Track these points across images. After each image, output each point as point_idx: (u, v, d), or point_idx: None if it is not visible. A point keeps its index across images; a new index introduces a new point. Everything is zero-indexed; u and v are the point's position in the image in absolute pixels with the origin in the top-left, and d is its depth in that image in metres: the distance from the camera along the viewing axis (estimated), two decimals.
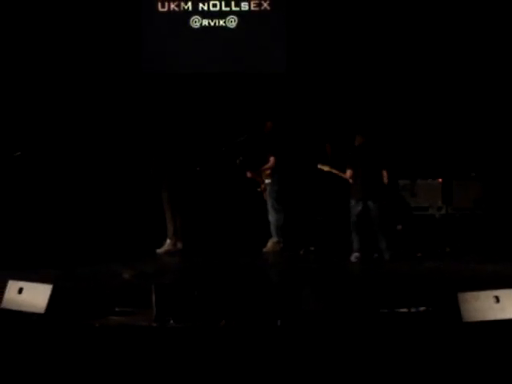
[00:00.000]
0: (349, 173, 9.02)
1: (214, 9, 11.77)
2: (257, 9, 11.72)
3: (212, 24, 11.78)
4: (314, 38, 11.43)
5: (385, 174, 8.98)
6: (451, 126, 11.18)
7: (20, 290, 6.14)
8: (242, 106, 11.34)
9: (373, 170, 8.97)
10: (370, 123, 10.04)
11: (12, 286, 6.21)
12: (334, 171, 9.16)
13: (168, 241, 9.63)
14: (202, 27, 11.79)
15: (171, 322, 5.89)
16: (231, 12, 11.75)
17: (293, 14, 11.54)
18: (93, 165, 11.29)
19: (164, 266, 9.00)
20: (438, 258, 9.12)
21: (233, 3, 11.73)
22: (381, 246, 8.91)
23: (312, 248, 9.62)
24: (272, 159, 9.66)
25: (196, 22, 11.79)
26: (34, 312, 5.97)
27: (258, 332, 5.67)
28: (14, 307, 6.08)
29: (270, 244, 9.67)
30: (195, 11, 11.78)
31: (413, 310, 6.20)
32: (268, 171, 9.70)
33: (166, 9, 11.80)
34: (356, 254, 8.92)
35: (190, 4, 11.79)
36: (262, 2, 11.70)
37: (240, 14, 11.74)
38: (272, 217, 9.66)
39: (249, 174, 9.83)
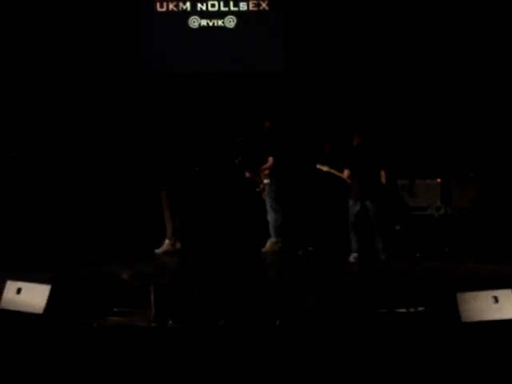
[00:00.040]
0: (346, 173, 9.02)
1: (213, 9, 11.77)
2: (255, 9, 11.72)
3: (211, 24, 11.78)
4: (312, 38, 11.43)
5: (383, 174, 8.97)
6: (450, 126, 11.18)
7: (18, 291, 6.13)
8: (240, 106, 11.34)
9: (371, 170, 8.97)
10: (368, 123, 10.03)
11: (10, 286, 6.21)
12: (333, 171, 9.16)
13: (167, 241, 9.62)
14: (201, 27, 11.78)
15: (170, 322, 5.89)
16: (230, 12, 11.74)
17: (291, 14, 11.54)
18: (92, 165, 11.28)
19: (163, 266, 9.00)
20: (437, 258, 9.12)
21: (231, 3, 11.73)
22: (377, 247, 8.90)
23: (310, 248, 9.62)
24: (271, 159, 9.66)
25: (194, 22, 11.79)
26: (32, 312, 5.97)
27: (257, 332, 5.67)
28: (13, 307, 6.08)
29: (268, 244, 9.66)
30: (194, 11, 11.78)
31: (411, 310, 6.20)
32: (267, 171, 9.70)
33: (164, 9, 11.80)
34: (354, 255, 8.92)
35: (188, 4, 11.78)
36: (261, 2, 11.70)
37: (238, 14, 11.74)
38: (271, 217, 9.66)
39: (247, 174, 9.82)
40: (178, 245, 9.61)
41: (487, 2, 11.14)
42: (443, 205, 10.83)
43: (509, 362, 4.88)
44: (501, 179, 10.81)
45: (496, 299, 5.63)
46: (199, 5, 11.77)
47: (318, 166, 9.25)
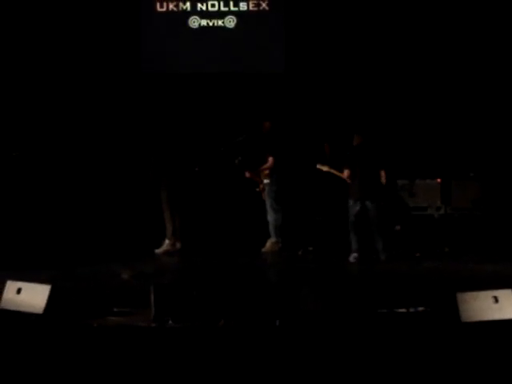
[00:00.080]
0: (346, 173, 9.02)
1: (213, 9, 11.76)
2: (255, 9, 11.72)
3: (210, 24, 11.78)
4: (312, 38, 11.42)
5: (383, 174, 8.97)
6: (450, 126, 11.18)
7: (18, 291, 6.13)
8: (240, 106, 11.34)
9: (370, 170, 8.96)
10: (368, 123, 10.03)
11: (10, 286, 6.21)
12: (333, 171, 9.15)
13: (167, 241, 9.62)
14: (201, 27, 11.78)
15: (170, 322, 5.89)
16: (230, 12, 11.74)
17: (291, 14, 11.54)
18: (92, 165, 11.28)
19: (163, 266, 9.00)
20: (437, 258, 9.12)
21: (231, 3, 11.73)
22: (377, 247, 8.90)
23: (310, 248, 9.61)
24: (271, 159, 9.66)
25: (195, 22, 11.78)
26: (32, 312, 5.97)
27: (257, 332, 5.67)
28: (13, 307, 6.08)
29: (268, 244, 9.66)
30: (194, 11, 11.77)
31: (411, 310, 6.20)
32: (267, 171, 9.70)
33: (164, 9, 11.80)
34: (354, 255, 8.91)
35: (188, 4, 11.78)
36: (261, 2, 11.70)
37: (238, 14, 11.74)
38: (271, 217, 9.66)
39: (247, 174, 9.82)
40: (178, 245, 9.61)
41: (487, 2, 11.13)
42: (443, 205, 10.83)
43: (509, 362, 4.88)
44: (501, 179, 10.81)
45: (496, 299, 5.62)
46: (199, 5, 11.77)
47: (318, 166, 9.25)
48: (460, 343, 5.30)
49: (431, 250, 9.43)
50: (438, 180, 10.92)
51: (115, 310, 6.31)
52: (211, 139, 10.71)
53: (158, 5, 11.78)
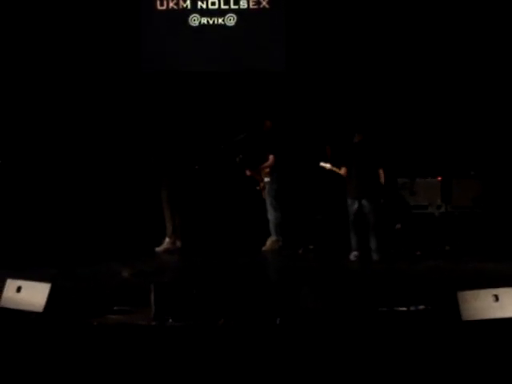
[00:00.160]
0: (343, 170, 9.02)
1: (213, 7, 11.75)
2: (255, 7, 11.71)
3: (211, 22, 11.76)
4: (313, 37, 11.41)
5: (381, 172, 8.94)
6: (450, 124, 11.17)
7: (18, 289, 6.13)
8: (241, 105, 11.32)
9: (367, 169, 8.93)
10: (368, 122, 10.03)
11: (10, 284, 6.21)
12: (335, 169, 9.13)
13: (167, 239, 9.62)
14: (201, 25, 11.76)
15: (170, 320, 5.88)
16: (230, 10, 11.72)
17: (292, 12, 11.52)
18: (92, 164, 11.28)
19: (163, 264, 9.00)
20: (438, 256, 9.11)
21: (232, 1, 11.71)
22: (371, 246, 8.87)
23: (311, 246, 9.61)
24: (271, 158, 9.65)
25: (195, 20, 11.77)
26: (32, 311, 5.97)
27: (257, 330, 5.66)
28: (13, 306, 6.08)
29: (269, 242, 9.66)
30: (194, 9, 11.76)
31: (412, 308, 6.20)
32: (267, 170, 9.69)
33: (164, 7, 11.78)
34: (355, 253, 8.90)
35: (188, 2, 11.77)
36: (261, 0, 11.68)
37: (239, 12, 11.72)
38: (271, 215, 9.65)
39: (248, 173, 9.82)
40: (178, 243, 9.61)
41: (487, 2, 11.12)
42: (444, 203, 10.82)
43: (509, 361, 4.87)
44: (501, 177, 10.80)
45: (496, 298, 5.62)
46: (199, 3, 11.76)
47: (321, 164, 9.23)
48: (461, 342, 5.30)
49: (432, 249, 9.42)
50: (439, 178, 10.91)
51: (115, 308, 6.31)
52: (212, 138, 10.69)
53: (158, 3, 11.77)
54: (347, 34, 11.31)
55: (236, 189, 10.77)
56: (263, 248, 9.63)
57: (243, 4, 11.71)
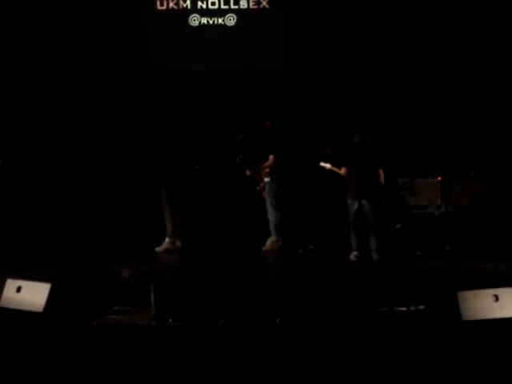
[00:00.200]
0: (343, 170, 9.01)
1: (213, 7, 11.75)
2: (255, 7, 11.70)
3: (211, 22, 11.76)
4: (313, 37, 11.41)
5: (381, 172, 8.93)
6: (450, 124, 11.16)
7: (18, 289, 6.13)
8: (241, 105, 11.32)
9: (367, 169, 8.93)
10: (368, 122, 10.02)
11: (10, 284, 6.20)
12: (335, 169, 9.13)
13: (167, 239, 9.62)
14: (201, 25, 11.76)
15: (170, 320, 5.88)
16: (230, 10, 11.72)
17: (292, 12, 11.52)
18: (92, 164, 11.27)
19: (163, 264, 9.00)
20: (438, 256, 9.11)
21: (232, 1, 11.70)
22: (371, 246, 8.86)
23: (311, 246, 9.60)
24: (271, 158, 9.65)
25: (195, 20, 11.77)
26: (32, 311, 5.96)
27: (257, 330, 5.66)
28: (13, 306, 6.08)
29: (269, 242, 9.65)
30: (194, 9, 11.76)
31: (412, 308, 6.20)
32: (267, 170, 9.69)
33: (164, 7, 11.78)
34: (355, 253, 8.90)
35: (188, 2, 11.77)
36: (261, 0, 11.68)
37: (239, 12, 11.72)
38: (271, 215, 9.65)
39: (248, 173, 9.82)
40: (178, 243, 9.61)
41: (487, 1, 11.12)
42: (444, 203, 10.81)
43: (509, 361, 4.87)
44: (501, 177, 10.80)
45: (496, 297, 5.61)
46: (199, 3, 11.76)
47: (322, 164, 9.22)
48: (461, 342, 5.30)
49: (432, 249, 9.42)
50: (439, 178, 10.91)
51: (115, 308, 6.31)
52: (211, 138, 10.69)
53: (158, 3, 11.76)
54: (347, 34, 11.31)
55: (236, 189, 10.77)
56: (263, 248, 9.62)
57: (243, 4, 11.71)
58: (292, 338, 5.49)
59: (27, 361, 4.98)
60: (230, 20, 11.72)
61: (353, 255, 8.90)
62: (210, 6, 11.75)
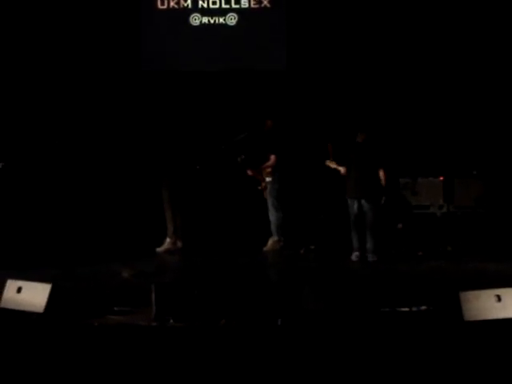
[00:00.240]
0: (343, 169, 8.99)
1: (214, 6, 11.73)
2: (257, 6, 11.69)
3: (212, 21, 11.74)
4: (314, 36, 11.39)
5: (381, 173, 8.89)
6: (452, 124, 11.15)
7: (19, 289, 6.12)
8: (242, 104, 11.31)
9: (367, 169, 8.90)
10: (370, 121, 10.00)
11: (11, 285, 6.19)
12: (340, 168, 9.09)
13: (168, 239, 9.61)
14: (202, 25, 11.75)
15: (171, 321, 5.87)
16: (231, 9, 11.71)
17: (293, 11, 11.50)
18: (92, 164, 11.26)
19: (164, 264, 8.99)
20: (440, 256, 9.10)
21: (233, 0, 11.69)
22: (367, 247, 8.84)
23: (312, 247, 9.59)
24: (273, 157, 9.64)
25: (196, 19, 11.75)
26: (33, 311, 5.96)
27: (259, 331, 5.65)
28: (13, 306, 6.07)
29: (270, 243, 9.64)
30: (195, 9, 11.75)
31: (414, 309, 6.19)
32: (269, 169, 9.67)
33: (165, 6, 11.77)
34: (356, 253, 8.89)
35: (189, 1, 11.75)
36: (262, 0, 11.67)
37: (240, 12, 11.70)
38: (272, 215, 9.64)
39: (249, 172, 9.81)
40: (179, 243, 9.59)
41: (487, 1, 11.10)
42: (446, 203, 10.79)
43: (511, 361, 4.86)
44: (504, 177, 10.78)
45: (499, 298, 5.61)
46: (200, 2, 11.74)
47: (327, 163, 9.19)
48: (463, 342, 5.28)
49: (434, 249, 9.41)
50: (441, 178, 10.88)
51: (116, 309, 6.30)
52: (212, 137, 10.68)
53: (159, 2, 11.75)
54: (348, 33, 11.29)
55: (237, 189, 10.75)
56: (264, 248, 9.61)
57: (244, 3, 11.70)
58: (294, 338, 5.48)
59: (28, 361, 4.98)
60: (231, 19, 11.71)
61: (354, 255, 8.89)
62: (210, 6, 11.74)
